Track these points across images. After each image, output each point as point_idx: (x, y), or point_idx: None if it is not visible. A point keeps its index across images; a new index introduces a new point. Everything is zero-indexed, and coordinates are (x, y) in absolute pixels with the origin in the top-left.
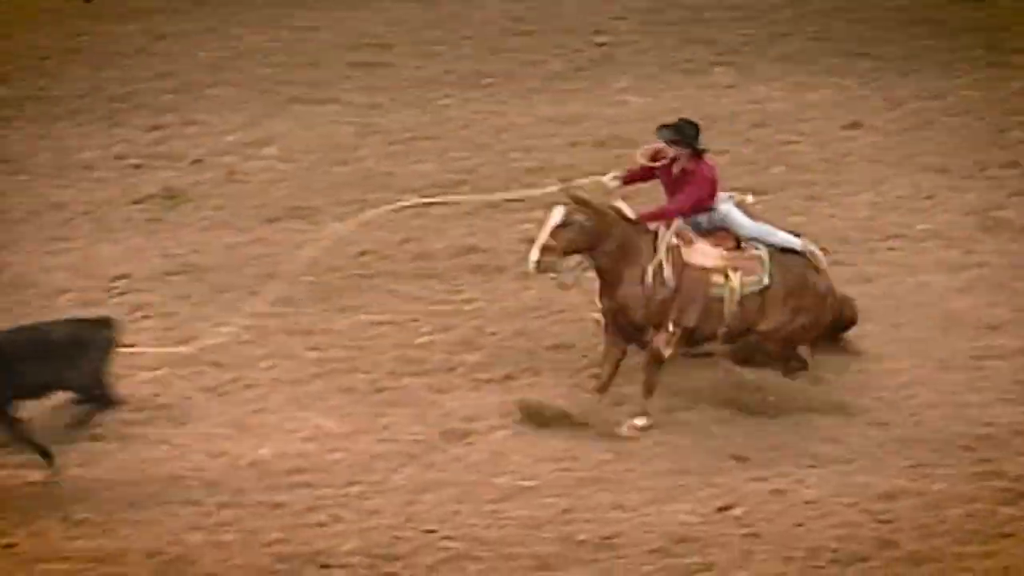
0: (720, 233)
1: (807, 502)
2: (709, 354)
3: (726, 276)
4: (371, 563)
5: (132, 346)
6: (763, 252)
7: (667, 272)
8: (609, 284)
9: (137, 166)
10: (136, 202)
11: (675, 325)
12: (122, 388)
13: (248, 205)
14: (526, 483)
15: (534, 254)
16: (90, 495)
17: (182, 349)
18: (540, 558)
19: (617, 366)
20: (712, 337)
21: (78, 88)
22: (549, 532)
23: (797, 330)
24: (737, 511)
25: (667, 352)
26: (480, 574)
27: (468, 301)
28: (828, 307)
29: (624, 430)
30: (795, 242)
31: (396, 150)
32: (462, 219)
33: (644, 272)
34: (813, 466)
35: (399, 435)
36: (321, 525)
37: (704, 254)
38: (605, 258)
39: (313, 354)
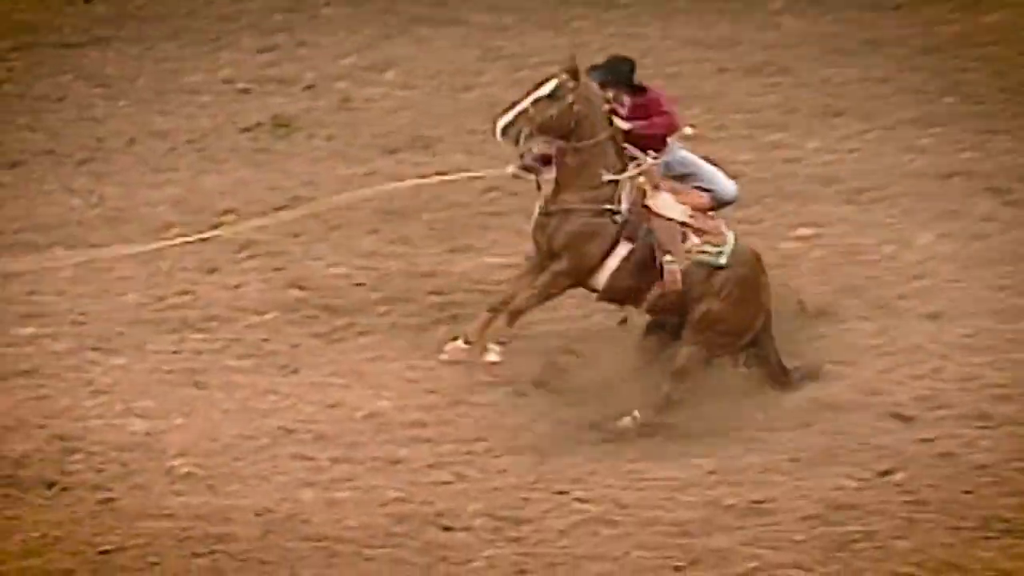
0: (683, 186)
1: (978, 467)
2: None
3: (684, 236)
4: (496, 526)
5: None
6: (729, 231)
7: (624, 204)
8: (558, 186)
9: (245, 91)
10: (244, 130)
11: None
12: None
13: (364, 134)
14: (668, 442)
15: (507, 117)
16: (194, 448)
17: None
18: (682, 524)
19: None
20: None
21: (182, 7)
22: (693, 495)
23: (728, 329)
24: (899, 476)
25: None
26: (616, 540)
27: None
28: (757, 321)
29: (491, 356)
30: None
31: (524, 76)
32: None
33: (593, 190)
34: (985, 427)
35: (529, 388)
36: (443, 484)
37: (668, 206)
38: (572, 155)
39: (434, 298)
